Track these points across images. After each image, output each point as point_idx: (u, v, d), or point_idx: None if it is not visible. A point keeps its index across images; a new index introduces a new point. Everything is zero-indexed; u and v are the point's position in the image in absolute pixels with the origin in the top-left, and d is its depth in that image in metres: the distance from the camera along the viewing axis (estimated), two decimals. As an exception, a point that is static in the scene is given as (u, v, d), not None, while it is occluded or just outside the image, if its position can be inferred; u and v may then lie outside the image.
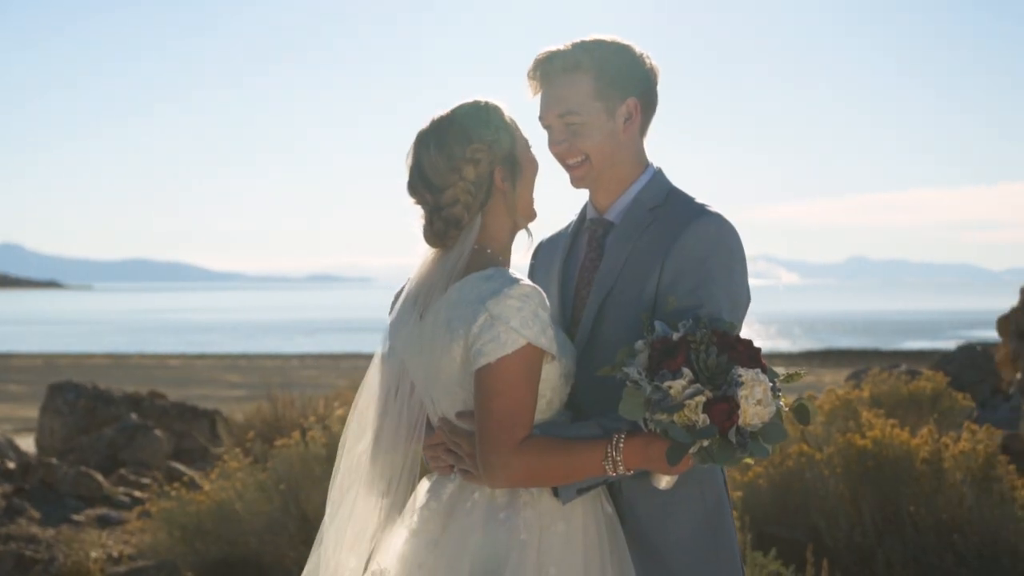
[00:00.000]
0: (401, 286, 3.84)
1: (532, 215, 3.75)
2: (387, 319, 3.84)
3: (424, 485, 3.81)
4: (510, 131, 3.68)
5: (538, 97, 3.87)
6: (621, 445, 3.45)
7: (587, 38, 3.85)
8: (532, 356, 3.48)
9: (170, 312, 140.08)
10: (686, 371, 3.35)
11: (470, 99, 3.71)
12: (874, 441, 8.77)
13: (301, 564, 9.11)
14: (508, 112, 3.72)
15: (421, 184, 3.67)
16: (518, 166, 3.68)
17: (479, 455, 3.49)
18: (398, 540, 3.73)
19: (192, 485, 11.10)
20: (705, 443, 3.33)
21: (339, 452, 3.85)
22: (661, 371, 3.36)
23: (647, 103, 3.88)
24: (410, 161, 3.70)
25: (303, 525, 9.22)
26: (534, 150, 3.77)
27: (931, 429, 9.09)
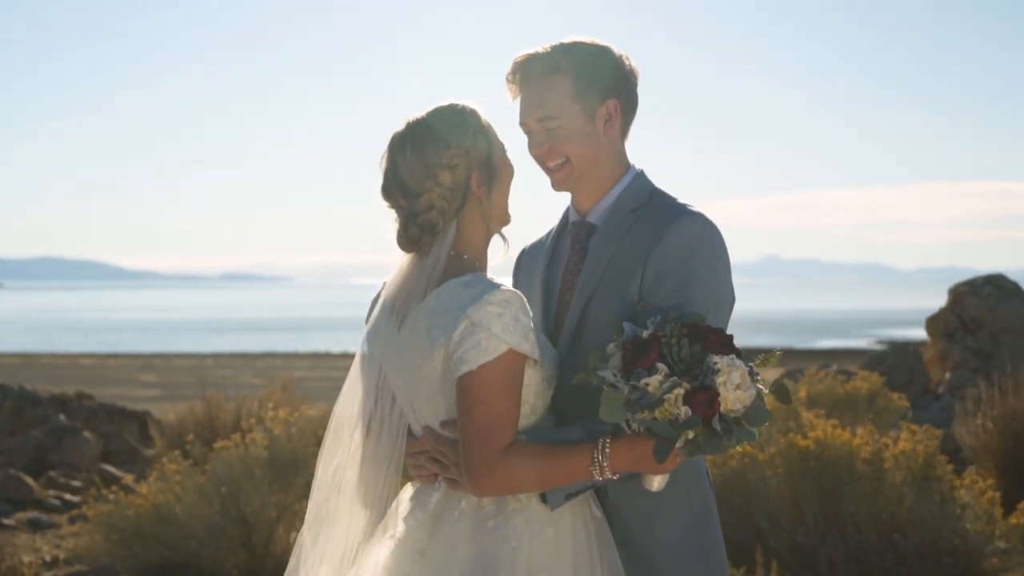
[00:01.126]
0: (377, 292, 3.79)
1: (506, 220, 3.71)
2: (364, 326, 3.79)
3: (407, 493, 3.75)
4: (487, 136, 3.63)
5: (517, 101, 3.83)
6: (608, 450, 3.42)
7: (565, 40, 3.82)
8: (514, 362, 3.44)
9: (82, 311, 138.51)
10: (661, 366, 3.33)
11: (446, 102, 3.66)
12: (816, 441, 8.82)
13: (241, 567, 9.10)
14: (485, 116, 3.67)
15: (396, 189, 3.61)
16: (495, 171, 3.63)
17: (463, 464, 3.44)
18: (382, 551, 3.68)
19: (126, 488, 10.95)
20: (690, 435, 3.32)
21: (319, 459, 3.79)
22: (636, 370, 3.35)
23: (627, 104, 3.85)
24: (385, 165, 3.64)
25: (243, 528, 9.14)
26: (514, 154, 3.73)
27: (871, 429, 9.15)
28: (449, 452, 3.54)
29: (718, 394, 3.31)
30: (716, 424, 3.32)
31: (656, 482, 3.54)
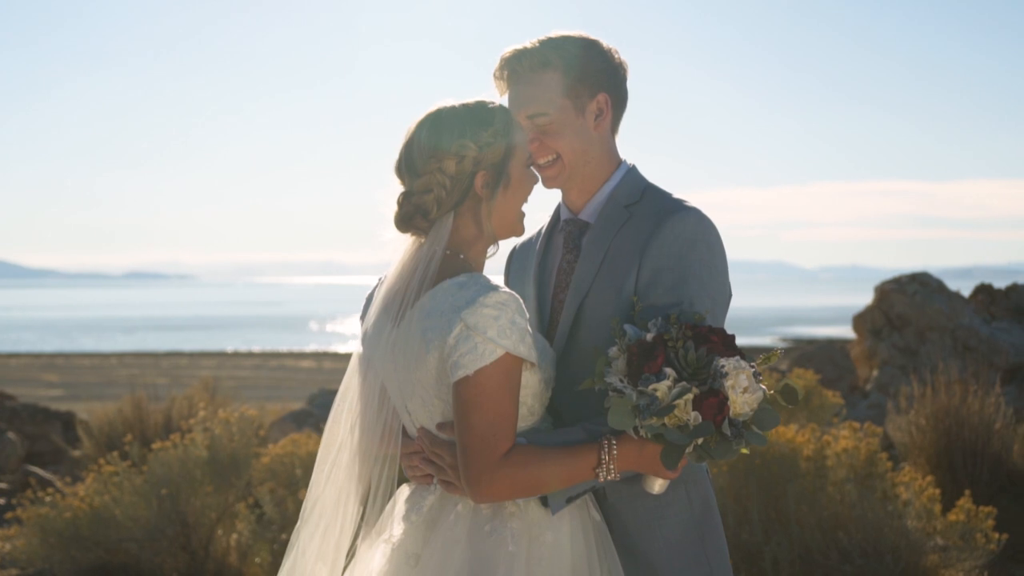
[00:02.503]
0: (371, 289, 3.73)
1: (514, 231, 3.63)
2: (359, 323, 3.73)
3: (403, 494, 3.70)
4: (509, 140, 3.56)
5: (505, 97, 3.78)
6: (615, 451, 3.38)
7: (553, 34, 3.78)
8: (511, 366, 3.37)
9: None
10: (668, 371, 3.29)
11: (486, 97, 3.60)
12: (760, 439, 8.81)
13: (180, 570, 8.96)
14: (517, 121, 3.61)
15: (405, 166, 3.56)
16: (506, 178, 3.55)
17: (463, 471, 3.37)
18: (377, 555, 3.62)
19: (60, 490, 10.76)
20: (700, 441, 3.27)
21: (318, 459, 3.72)
22: (643, 375, 3.30)
23: (617, 99, 3.81)
24: (403, 141, 3.58)
25: (183, 530, 9.00)
26: None
27: (814, 427, 9.19)
28: (446, 455, 3.48)
29: (727, 398, 3.28)
30: (726, 429, 3.28)
31: (658, 485, 3.51)
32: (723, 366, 3.30)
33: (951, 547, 8.64)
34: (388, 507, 3.68)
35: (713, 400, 3.26)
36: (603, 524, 3.60)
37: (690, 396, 3.27)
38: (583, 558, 3.52)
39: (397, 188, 3.59)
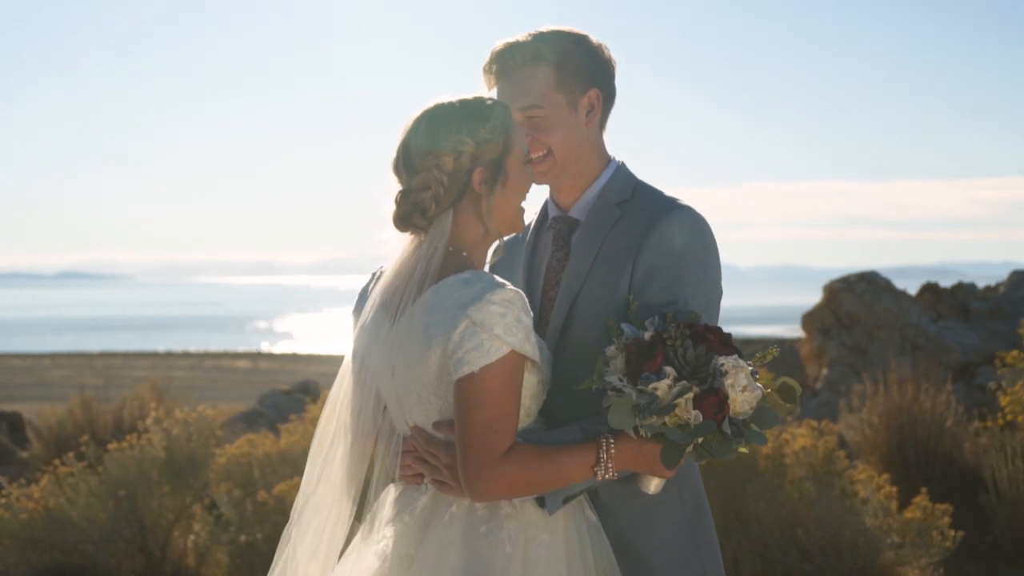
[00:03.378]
0: (366, 283, 3.68)
1: (514, 228, 3.58)
2: (352, 318, 3.68)
3: (391, 494, 3.65)
4: (507, 137, 3.51)
5: (494, 91, 3.75)
6: (613, 450, 3.36)
7: (543, 28, 3.75)
8: (516, 364, 3.33)
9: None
10: (668, 370, 3.27)
11: (484, 94, 3.56)
12: (718, 438, 8.83)
13: (137, 572, 8.88)
14: (513, 118, 3.56)
15: (403, 163, 3.51)
16: (504, 175, 3.50)
17: (462, 468, 3.33)
18: (369, 557, 3.57)
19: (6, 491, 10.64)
20: (700, 440, 3.26)
21: (310, 457, 3.68)
22: (643, 374, 3.28)
23: (607, 95, 3.80)
24: (400, 139, 3.54)
25: (139, 532, 8.92)
26: None
27: (772, 426, 9.20)
28: (442, 454, 3.43)
29: (727, 396, 3.27)
30: (726, 428, 3.27)
31: (654, 484, 3.49)
32: (722, 364, 3.28)
33: (907, 544, 8.70)
34: (376, 507, 3.65)
35: (714, 399, 3.25)
36: (599, 525, 3.57)
37: (691, 395, 3.25)
38: (579, 559, 3.49)
39: (395, 187, 3.55)
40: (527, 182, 3.57)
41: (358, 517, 3.66)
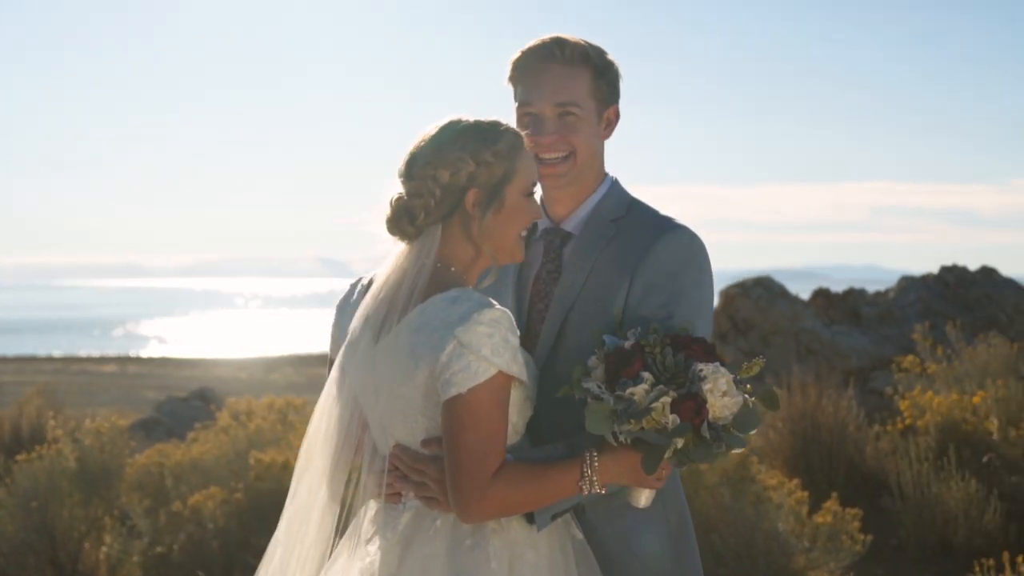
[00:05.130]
0: (354, 282, 3.67)
1: (510, 256, 3.55)
2: (335, 314, 3.67)
3: (370, 511, 3.62)
4: (511, 165, 3.48)
5: (520, 85, 3.73)
6: (596, 464, 3.36)
7: (569, 36, 3.74)
8: (503, 384, 3.33)
9: None
10: (646, 375, 3.28)
11: (504, 118, 3.54)
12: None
13: (47, 585, 8.68)
14: (527, 150, 3.53)
15: (405, 168, 3.49)
16: (499, 201, 3.47)
17: (452, 488, 3.32)
18: (353, 574, 3.53)
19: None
20: (680, 444, 3.27)
21: (297, 469, 3.64)
22: (621, 380, 3.29)
23: (619, 114, 3.82)
24: (412, 146, 3.52)
25: (50, 544, 8.75)
26: None
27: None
28: (431, 469, 3.41)
29: (705, 401, 3.28)
30: (705, 432, 3.28)
31: (644, 498, 3.50)
32: (701, 370, 3.30)
33: (818, 548, 8.82)
34: (355, 524, 3.62)
35: (691, 403, 3.27)
36: (584, 543, 3.57)
37: (667, 399, 3.26)
38: None
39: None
40: (525, 215, 3.53)
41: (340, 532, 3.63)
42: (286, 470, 8.52)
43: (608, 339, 3.40)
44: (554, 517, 3.44)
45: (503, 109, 3.65)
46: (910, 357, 13.05)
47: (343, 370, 3.55)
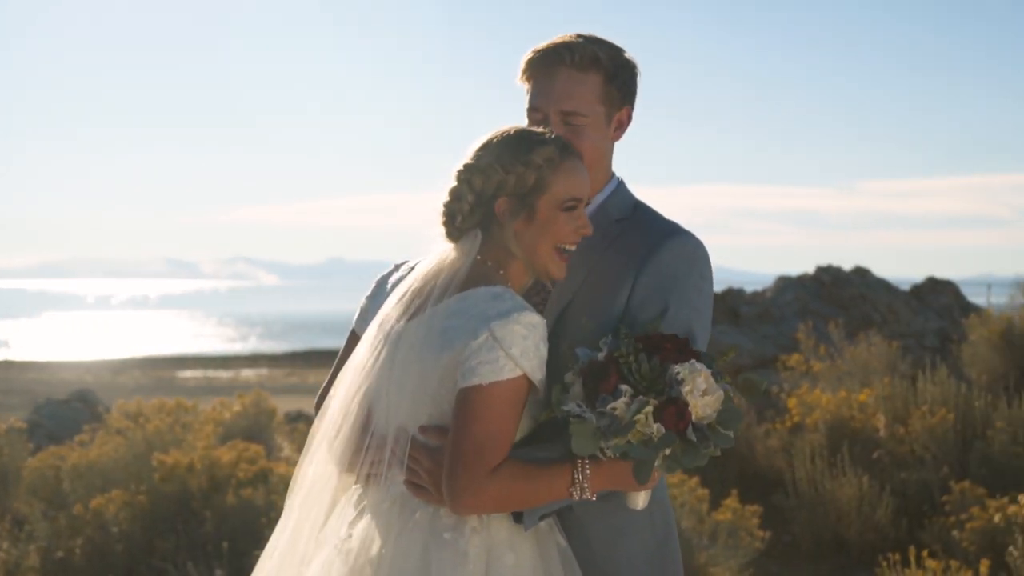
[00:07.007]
0: (387, 272, 3.73)
1: (544, 270, 3.53)
2: (365, 302, 3.72)
3: (353, 495, 3.61)
4: (544, 176, 3.48)
5: (530, 85, 3.70)
6: (588, 471, 3.37)
7: (587, 34, 3.71)
8: (523, 387, 3.35)
9: None
10: (624, 387, 3.29)
11: (549, 130, 3.55)
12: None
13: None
14: (571, 164, 3.51)
15: (456, 171, 3.55)
16: (529, 212, 3.48)
17: (448, 477, 3.32)
18: (332, 554, 3.52)
19: None
20: (667, 451, 3.28)
21: (302, 457, 3.63)
22: (600, 396, 3.30)
23: (632, 115, 3.79)
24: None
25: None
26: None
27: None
28: (424, 459, 3.41)
29: (687, 404, 3.29)
30: (691, 435, 3.29)
31: (641, 499, 3.52)
32: (678, 373, 3.30)
33: (718, 545, 8.91)
34: (338, 508, 3.62)
35: (673, 409, 3.27)
36: (568, 550, 3.57)
37: (649, 409, 3.26)
38: None
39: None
40: (561, 229, 3.51)
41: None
42: (190, 472, 8.39)
43: (580, 352, 3.41)
44: (542, 518, 3.45)
45: (507, 109, 3.67)
46: (796, 356, 13.24)
47: (373, 343, 3.55)
